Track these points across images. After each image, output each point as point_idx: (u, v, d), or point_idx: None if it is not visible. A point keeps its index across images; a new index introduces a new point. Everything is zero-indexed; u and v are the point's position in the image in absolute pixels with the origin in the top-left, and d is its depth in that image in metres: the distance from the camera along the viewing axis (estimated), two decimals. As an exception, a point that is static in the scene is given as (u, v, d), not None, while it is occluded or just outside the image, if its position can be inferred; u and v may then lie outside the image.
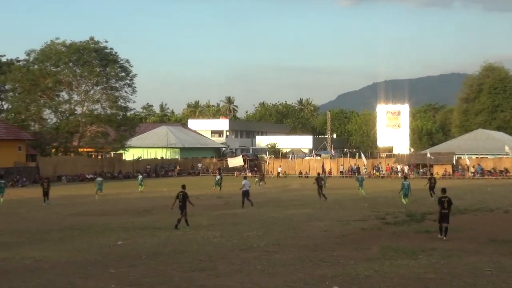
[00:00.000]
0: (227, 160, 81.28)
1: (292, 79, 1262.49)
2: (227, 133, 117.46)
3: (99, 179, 44.75)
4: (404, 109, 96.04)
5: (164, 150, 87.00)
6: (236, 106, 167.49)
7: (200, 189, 47.17)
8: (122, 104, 75.88)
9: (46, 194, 37.34)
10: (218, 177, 50.39)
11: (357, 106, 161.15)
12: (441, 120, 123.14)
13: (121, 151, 79.59)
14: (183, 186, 24.60)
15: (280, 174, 75.74)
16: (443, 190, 21.67)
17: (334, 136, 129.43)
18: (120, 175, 72.08)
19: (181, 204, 23.82)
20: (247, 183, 33.89)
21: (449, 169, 69.88)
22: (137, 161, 78.49)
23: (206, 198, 39.65)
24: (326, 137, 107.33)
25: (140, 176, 51.52)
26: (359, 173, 44.76)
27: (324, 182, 42.32)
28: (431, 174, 57.63)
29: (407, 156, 74.82)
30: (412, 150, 77.99)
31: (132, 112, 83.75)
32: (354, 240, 20.32)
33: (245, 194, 33.15)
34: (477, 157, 73.82)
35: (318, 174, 44.04)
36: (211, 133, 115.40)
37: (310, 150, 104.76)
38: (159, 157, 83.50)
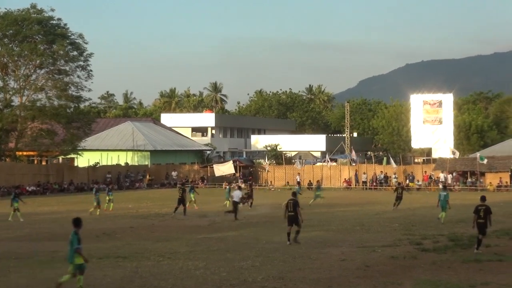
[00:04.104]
0: (212, 167, 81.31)
1: (300, 59, 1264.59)
2: (213, 131, 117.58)
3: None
4: (447, 99, 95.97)
5: (130, 153, 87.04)
6: (225, 96, 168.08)
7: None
8: (74, 93, 75.86)
9: None
10: (227, 188, 51.83)
11: (385, 95, 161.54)
12: (496, 113, 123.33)
13: (72, 155, 79.54)
14: (294, 194, 28.06)
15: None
16: (482, 198, 25.08)
17: (355, 134, 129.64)
18: (71, 186, 72.05)
19: (291, 214, 26.57)
20: (238, 193, 39.15)
21: (506, 178, 70.04)
22: (94, 168, 78.49)
23: (185, 218, 39.68)
24: (344, 136, 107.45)
25: (106, 189, 50.90)
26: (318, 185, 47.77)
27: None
28: (399, 183, 58.23)
29: (450, 161, 75.00)
30: (456, 153, 78.02)
31: (87, 103, 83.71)
32: (381, 272, 20.39)
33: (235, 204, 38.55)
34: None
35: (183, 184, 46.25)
36: (192, 132, 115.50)
37: (324, 154, 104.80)
38: (122, 163, 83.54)
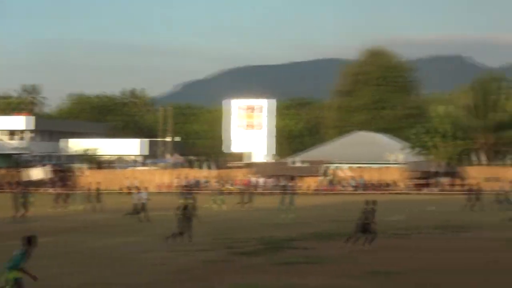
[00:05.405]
0: (24, 172, 79.15)
1: (120, 62, 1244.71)
2: (28, 135, 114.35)
3: None
4: (265, 104, 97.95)
5: None
6: (44, 98, 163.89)
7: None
8: None
9: None
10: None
11: (207, 100, 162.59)
12: (311, 119, 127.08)
13: None
14: (188, 199, 29.92)
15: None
16: (367, 202, 26.60)
17: (176, 139, 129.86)
18: None
19: (182, 216, 28.33)
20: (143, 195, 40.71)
21: (317, 182, 72.43)
22: None
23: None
24: (164, 141, 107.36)
25: None
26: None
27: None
28: (248, 187, 61.08)
29: (267, 166, 76.69)
30: (270, 157, 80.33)
31: None
32: (195, 276, 20.70)
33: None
34: (359, 167, 77.30)
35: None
36: (5, 134, 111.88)
37: (142, 158, 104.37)
38: None
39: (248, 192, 54.34)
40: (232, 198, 56.56)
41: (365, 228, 25.94)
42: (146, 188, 45.25)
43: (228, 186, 74.04)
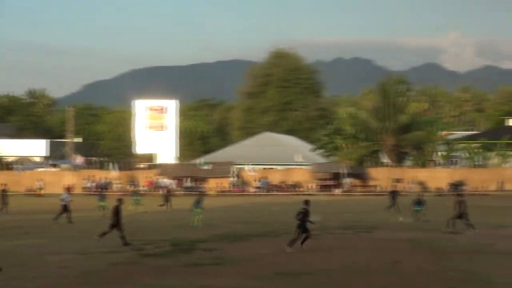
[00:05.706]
0: None
1: (21, 61, 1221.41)
2: None
3: None
4: (171, 105, 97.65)
5: None
6: None
7: None
8: None
9: None
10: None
11: (110, 100, 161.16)
12: (218, 120, 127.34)
13: None
14: (119, 200, 29.04)
15: None
16: (304, 202, 26.50)
17: (80, 140, 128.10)
18: None
19: (114, 218, 27.99)
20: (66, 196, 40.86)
21: (226, 183, 72.64)
22: None
23: None
24: (67, 142, 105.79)
25: None
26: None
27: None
28: (168, 189, 60.86)
29: (173, 167, 76.39)
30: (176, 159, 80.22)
31: None
32: (102, 278, 20.28)
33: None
34: (264, 168, 77.79)
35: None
36: None
37: (45, 159, 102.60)
38: None
39: (168, 194, 53.89)
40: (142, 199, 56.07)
41: (305, 228, 25.89)
42: (68, 190, 45.00)
43: (134, 188, 73.51)
